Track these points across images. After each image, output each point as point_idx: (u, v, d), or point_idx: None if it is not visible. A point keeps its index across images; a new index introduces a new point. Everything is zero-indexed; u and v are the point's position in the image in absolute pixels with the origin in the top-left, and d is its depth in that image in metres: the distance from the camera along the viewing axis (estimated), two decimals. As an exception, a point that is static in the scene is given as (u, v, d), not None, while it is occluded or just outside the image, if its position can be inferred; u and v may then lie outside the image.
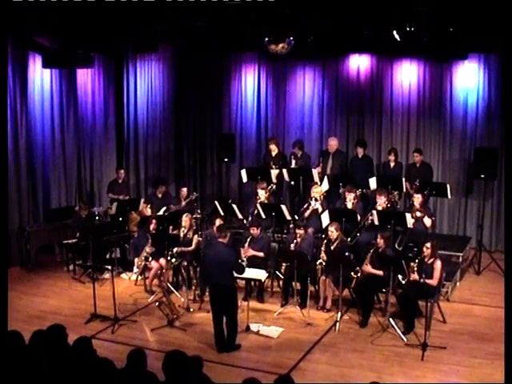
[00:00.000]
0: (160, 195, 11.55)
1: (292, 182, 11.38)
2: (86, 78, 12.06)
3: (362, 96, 12.53)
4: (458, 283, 9.96)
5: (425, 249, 8.26)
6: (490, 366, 7.20)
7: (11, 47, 10.05)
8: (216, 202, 10.80)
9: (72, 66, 11.20)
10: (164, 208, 11.20)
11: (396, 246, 9.39)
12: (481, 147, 11.24)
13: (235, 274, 7.97)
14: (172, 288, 9.53)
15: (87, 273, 10.18)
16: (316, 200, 10.22)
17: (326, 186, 10.79)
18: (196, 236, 9.79)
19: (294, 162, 11.66)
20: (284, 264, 9.44)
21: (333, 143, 11.79)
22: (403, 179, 10.67)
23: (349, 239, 9.40)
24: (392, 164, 11.41)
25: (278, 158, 11.84)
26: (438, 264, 8.19)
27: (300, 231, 9.08)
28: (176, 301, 8.98)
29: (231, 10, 8.62)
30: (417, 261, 8.17)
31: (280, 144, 12.75)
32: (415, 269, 8.11)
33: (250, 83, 13.39)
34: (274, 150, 11.91)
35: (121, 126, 12.90)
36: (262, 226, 9.58)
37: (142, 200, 11.47)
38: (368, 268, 8.54)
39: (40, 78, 11.12)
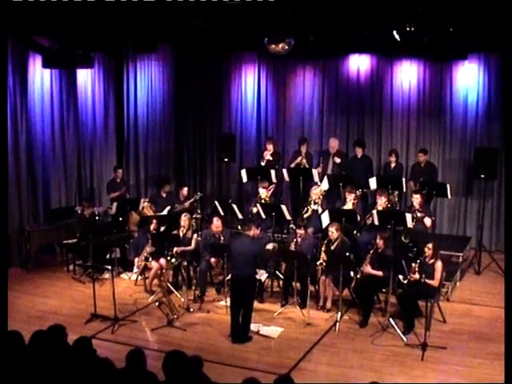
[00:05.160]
0: (164, 195, 11.54)
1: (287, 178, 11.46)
2: (86, 78, 12.04)
3: (362, 96, 12.54)
4: (457, 283, 9.96)
5: (426, 249, 8.26)
6: (490, 365, 7.20)
7: (11, 47, 10.05)
8: (216, 202, 10.80)
9: (72, 66, 11.19)
10: (168, 207, 11.19)
11: (402, 238, 9.38)
12: (481, 147, 11.24)
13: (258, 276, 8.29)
14: (172, 288, 9.53)
15: (87, 273, 10.18)
16: (315, 203, 10.22)
17: (325, 185, 10.79)
18: (195, 236, 9.80)
19: (304, 161, 11.74)
20: (284, 264, 9.47)
21: (334, 144, 11.80)
22: (403, 179, 10.68)
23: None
24: (393, 165, 11.42)
25: (275, 157, 11.91)
26: (439, 265, 8.19)
27: (300, 231, 9.08)
28: (176, 301, 8.99)
29: (231, 10, 8.61)
30: (418, 261, 8.16)
31: (280, 143, 12.79)
32: (416, 269, 8.11)
33: (250, 83, 13.40)
34: (270, 149, 11.94)
35: (121, 126, 12.89)
36: (262, 226, 9.57)
37: (142, 200, 11.47)
38: (368, 269, 8.54)
39: (40, 77, 11.12)
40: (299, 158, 11.73)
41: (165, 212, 11.06)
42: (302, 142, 11.96)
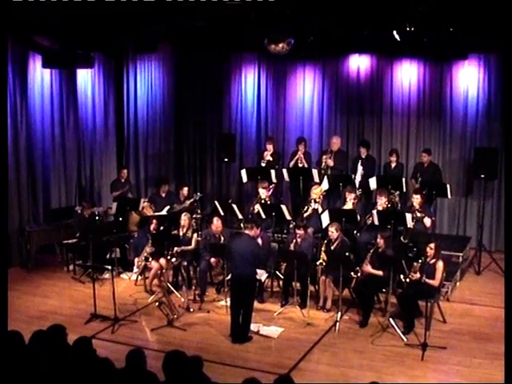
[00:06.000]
0: (163, 194, 11.57)
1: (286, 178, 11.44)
2: (86, 78, 12.04)
3: (362, 96, 12.54)
4: (457, 283, 9.96)
5: (428, 249, 8.25)
6: (490, 365, 7.20)
7: (11, 47, 10.04)
8: (216, 202, 10.81)
9: (72, 66, 11.18)
10: (167, 207, 11.20)
11: (402, 239, 9.37)
12: (481, 147, 11.24)
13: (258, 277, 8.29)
14: (172, 288, 9.53)
15: (87, 273, 10.17)
16: (315, 202, 10.22)
17: (325, 185, 10.79)
18: (195, 235, 9.80)
19: (302, 156, 11.72)
20: (284, 264, 9.47)
21: (336, 141, 11.76)
22: (403, 179, 10.67)
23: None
24: (393, 165, 11.41)
25: (275, 157, 11.91)
26: (440, 265, 8.19)
27: (300, 231, 9.08)
28: (176, 301, 8.99)
29: (231, 10, 8.61)
30: (420, 261, 8.15)
31: (280, 143, 12.79)
32: (417, 269, 8.11)
33: (250, 83, 13.40)
34: (270, 149, 11.94)
35: (121, 126, 12.88)
36: (262, 226, 9.56)
37: (142, 199, 11.48)
38: (368, 268, 8.54)
39: (40, 77, 11.11)
40: (296, 157, 11.73)
41: (164, 212, 11.07)
42: (300, 141, 11.96)
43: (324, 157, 11.53)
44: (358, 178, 11.30)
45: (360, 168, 11.41)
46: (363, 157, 11.63)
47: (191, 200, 11.40)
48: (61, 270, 10.62)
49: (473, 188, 11.83)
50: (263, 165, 11.87)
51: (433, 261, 8.23)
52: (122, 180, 11.81)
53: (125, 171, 11.90)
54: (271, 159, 11.88)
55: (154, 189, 12.45)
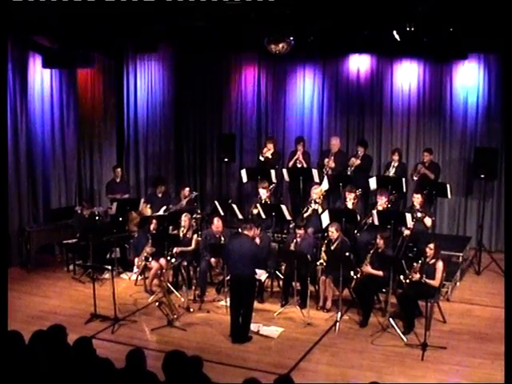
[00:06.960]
0: (160, 195, 11.58)
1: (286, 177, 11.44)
2: (87, 78, 12.05)
3: (362, 96, 12.54)
4: (457, 283, 9.96)
5: (428, 249, 8.25)
6: (490, 366, 7.20)
7: (11, 47, 10.05)
8: (216, 202, 10.81)
9: (72, 65, 11.19)
10: (164, 208, 11.21)
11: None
12: (481, 147, 11.23)
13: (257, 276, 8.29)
14: (172, 288, 9.53)
15: (87, 273, 10.18)
16: (316, 202, 10.22)
17: (325, 185, 10.79)
18: (195, 236, 9.80)
19: (301, 157, 11.71)
20: (284, 264, 9.47)
21: (335, 142, 11.75)
22: (403, 179, 10.66)
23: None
24: (395, 164, 11.34)
25: (275, 157, 11.91)
26: (440, 265, 8.19)
27: (300, 231, 9.08)
28: (176, 301, 8.99)
29: (231, 10, 8.62)
30: (420, 261, 8.15)
31: (280, 143, 12.79)
32: (417, 269, 8.11)
33: (249, 83, 13.40)
34: (270, 148, 11.93)
35: (121, 126, 12.89)
36: (262, 226, 9.57)
37: (142, 200, 11.48)
38: (368, 268, 8.54)
39: (40, 78, 11.11)
40: (295, 158, 11.73)
41: (160, 212, 11.07)
42: (298, 141, 11.96)
43: (326, 160, 11.51)
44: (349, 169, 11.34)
45: (354, 160, 11.40)
46: (360, 155, 11.56)
47: (186, 199, 11.38)
48: (61, 270, 10.63)
49: (473, 188, 11.82)
50: (262, 159, 11.88)
51: (432, 261, 8.23)
52: (117, 180, 11.78)
53: (118, 170, 11.84)
54: (270, 156, 11.86)
55: (151, 189, 12.45)
